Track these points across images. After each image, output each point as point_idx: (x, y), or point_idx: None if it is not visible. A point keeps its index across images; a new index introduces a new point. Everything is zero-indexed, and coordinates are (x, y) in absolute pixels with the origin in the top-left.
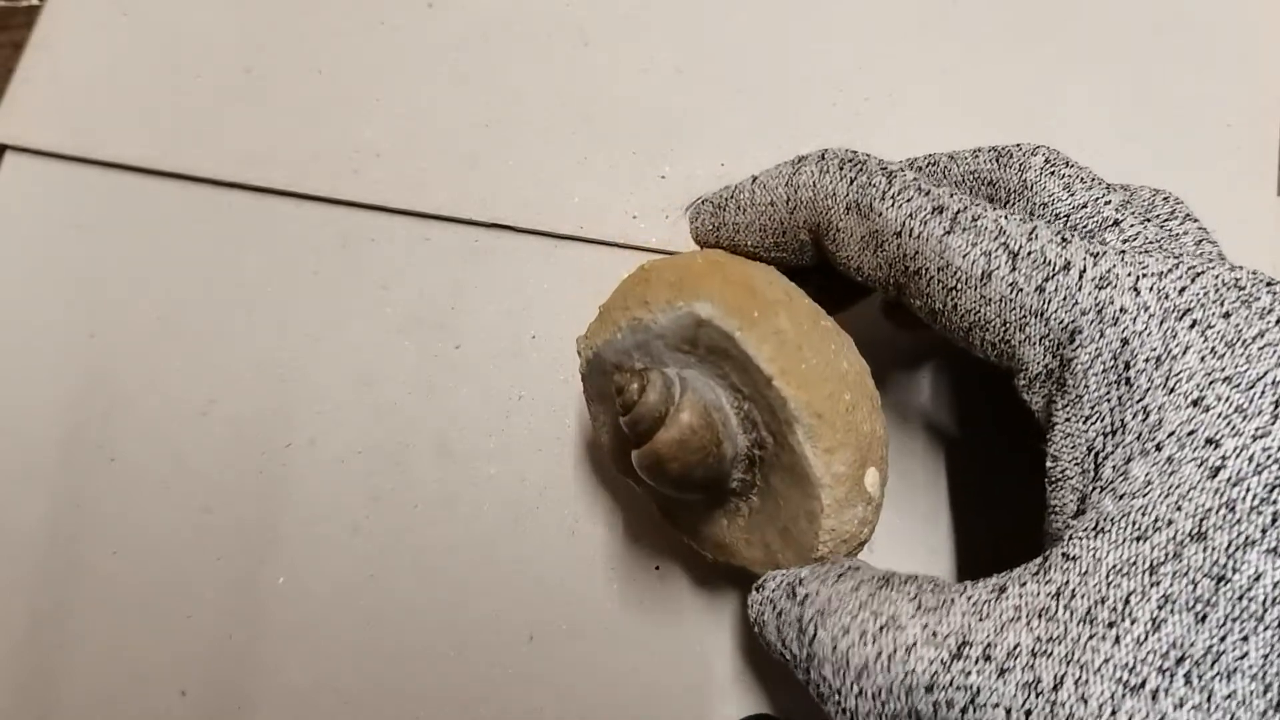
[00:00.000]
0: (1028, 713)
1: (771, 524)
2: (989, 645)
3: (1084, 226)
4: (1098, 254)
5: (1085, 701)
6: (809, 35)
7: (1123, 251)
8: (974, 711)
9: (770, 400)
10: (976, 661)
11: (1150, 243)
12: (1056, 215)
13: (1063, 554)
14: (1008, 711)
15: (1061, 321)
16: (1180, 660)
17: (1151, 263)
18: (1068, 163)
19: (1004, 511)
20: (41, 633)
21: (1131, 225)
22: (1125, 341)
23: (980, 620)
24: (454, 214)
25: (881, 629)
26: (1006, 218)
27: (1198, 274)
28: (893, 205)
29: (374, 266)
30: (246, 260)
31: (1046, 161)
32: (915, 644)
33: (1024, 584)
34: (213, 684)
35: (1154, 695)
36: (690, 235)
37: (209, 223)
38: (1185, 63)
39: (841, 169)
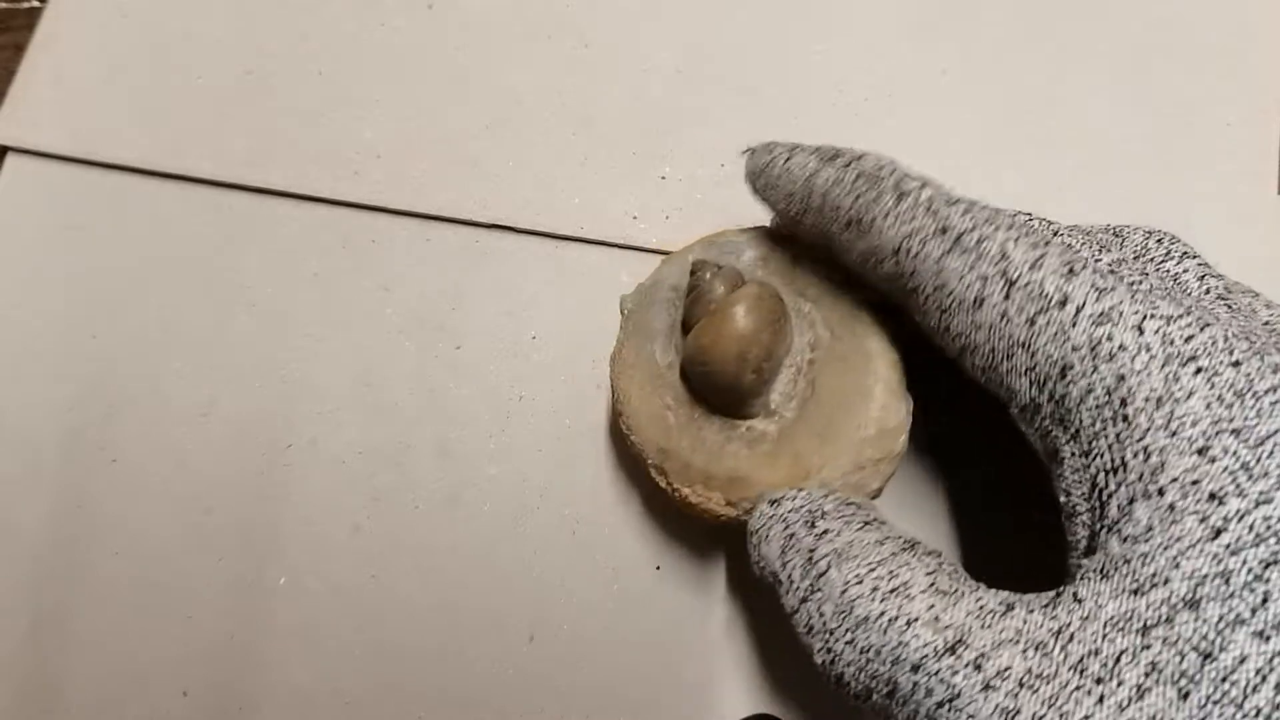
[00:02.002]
0: None
1: (809, 429)
2: (982, 655)
3: None
4: (1104, 289)
5: None
6: (809, 35)
7: (1135, 289)
8: (949, 711)
9: (843, 292)
10: (966, 666)
11: (1154, 291)
12: None
13: (1073, 594)
14: None
15: (1050, 356)
16: None
17: (1163, 305)
18: (1055, 231)
19: (1006, 540)
20: (43, 633)
21: (1130, 276)
22: (1121, 378)
23: (982, 627)
24: (454, 215)
25: (893, 591)
26: (1016, 241)
27: (1206, 324)
28: (894, 224)
29: (374, 267)
30: (247, 262)
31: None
32: (918, 619)
33: (1031, 610)
34: (214, 684)
35: None
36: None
37: (210, 224)
38: (1185, 63)
39: (855, 182)
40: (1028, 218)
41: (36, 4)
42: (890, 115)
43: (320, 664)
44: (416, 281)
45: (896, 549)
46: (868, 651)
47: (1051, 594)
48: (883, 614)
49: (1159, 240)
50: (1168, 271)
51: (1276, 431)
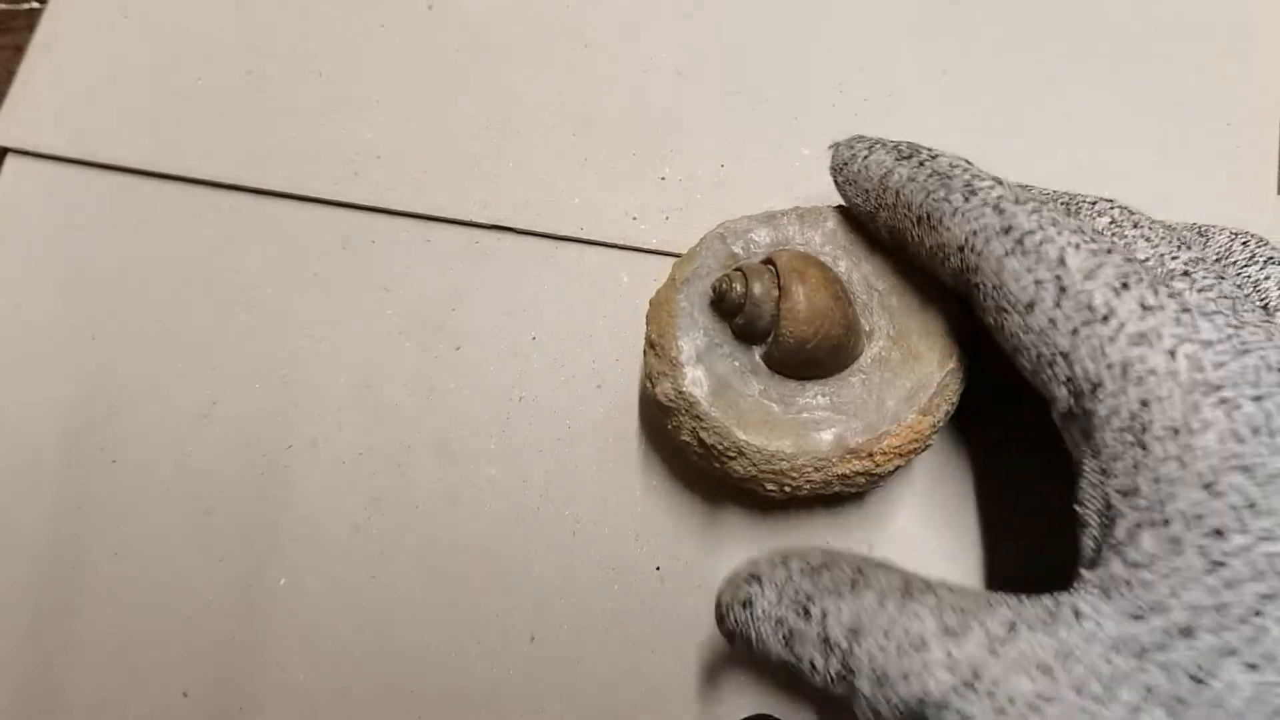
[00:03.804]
0: None
1: (913, 307)
2: (995, 684)
3: None
4: (1151, 307)
5: None
6: (809, 35)
7: (1186, 309)
8: None
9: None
10: (982, 696)
11: (1224, 297)
12: None
13: (1073, 609)
14: None
15: (1086, 370)
16: None
17: (1206, 328)
18: (1135, 223)
19: (1031, 520)
20: (43, 634)
21: (1204, 278)
22: (1145, 403)
23: (993, 656)
24: (454, 215)
25: (912, 647)
26: (1078, 248)
27: (1244, 351)
28: (962, 221)
29: (375, 268)
30: (247, 262)
31: (1112, 222)
32: (937, 666)
33: (1033, 630)
34: (215, 685)
35: None
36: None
37: (210, 225)
38: (1185, 63)
39: (929, 180)
40: (1110, 204)
41: (36, 4)
42: (890, 115)
43: (320, 664)
44: (416, 282)
45: (898, 602)
46: (904, 703)
47: (1050, 605)
48: (907, 671)
49: (1244, 243)
50: (1248, 278)
51: None
